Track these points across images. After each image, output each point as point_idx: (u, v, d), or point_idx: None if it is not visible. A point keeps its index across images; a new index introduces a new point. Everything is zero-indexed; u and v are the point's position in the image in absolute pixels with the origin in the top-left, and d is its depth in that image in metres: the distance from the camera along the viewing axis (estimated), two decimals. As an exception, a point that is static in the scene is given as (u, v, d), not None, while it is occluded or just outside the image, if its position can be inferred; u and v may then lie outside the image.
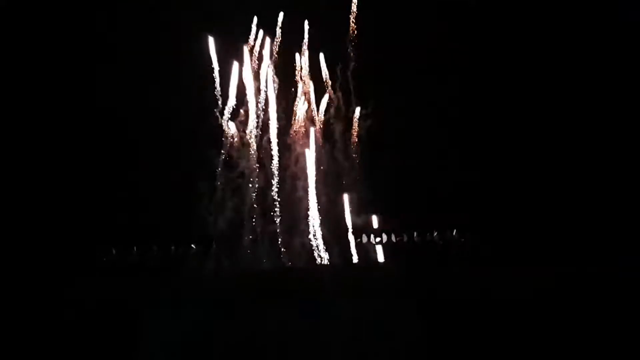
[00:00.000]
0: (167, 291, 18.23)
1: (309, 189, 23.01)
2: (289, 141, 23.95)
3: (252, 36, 24.31)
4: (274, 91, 23.89)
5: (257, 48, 24.22)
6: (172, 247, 21.85)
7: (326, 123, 24.38)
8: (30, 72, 23.07)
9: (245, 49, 23.92)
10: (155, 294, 18.08)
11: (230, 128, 23.44)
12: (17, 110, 22.78)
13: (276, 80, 24.20)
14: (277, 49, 24.47)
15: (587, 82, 22.66)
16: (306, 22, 24.44)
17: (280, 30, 24.47)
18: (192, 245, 22.01)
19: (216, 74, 23.56)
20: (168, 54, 23.42)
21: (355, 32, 24.28)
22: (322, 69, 24.49)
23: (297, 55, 24.51)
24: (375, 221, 23.18)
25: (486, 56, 23.51)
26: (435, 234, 22.29)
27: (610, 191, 21.46)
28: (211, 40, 23.49)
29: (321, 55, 24.56)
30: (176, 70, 23.07)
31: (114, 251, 21.58)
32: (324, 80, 24.55)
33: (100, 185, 22.41)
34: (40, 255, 20.70)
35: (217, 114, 23.37)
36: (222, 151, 23.19)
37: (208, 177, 22.68)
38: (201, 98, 23.35)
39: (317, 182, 23.25)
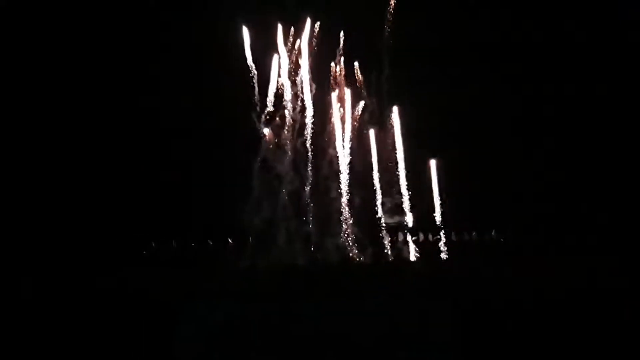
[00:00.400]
0: (203, 284, 18.50)
1: (343, 189, 23.23)
2: (324, 144, 24.18)
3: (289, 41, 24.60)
4: (310, 96, 24.14)
5: (294, 53, 24.60)
6: (209, 241, 22.13)
7: (360, 126, 24.49)
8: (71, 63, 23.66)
9: (282, 53, 24.22)
10: (192, 287, 18.39)
11: (267, 131, 23.79)
12: (59, 104, 23.47)
13: (313, 85, 24.45)
14: (313, 54, 24.74)
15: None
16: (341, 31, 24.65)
17: (314, 36, 24.74)
18: (229, 240, 22.28)
19: (255, 78, 23.95)
20: (208, 56, 23.81)
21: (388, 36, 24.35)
22: (357, 74, 24.72)
23: (332, 63, 24.77)
24: (409, 220, 23.13)
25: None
26: (474, 233, 22.10)
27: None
28: (247, 40, 23.75)
29: (356, 64, 24.68)
30: (215, 73, 23.55)
31: (153, 244, 22.02)
32: (359, 85, 24.73)
33: (142, 180, 22.92)
34: (81, 246, 21.25)
35: (255, 117, 23.70)
36: (259, 152, 23.54)
37: (246, 176, 23.00)
38: (241, 101, 23.69)
39: (350, 183, 23.40)
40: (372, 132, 24.08)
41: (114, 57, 23.87)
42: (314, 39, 24.51)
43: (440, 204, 22.60)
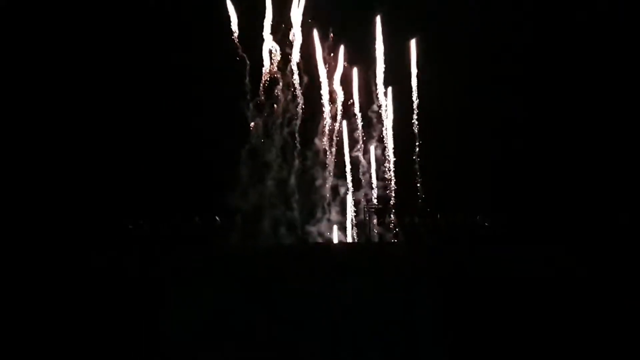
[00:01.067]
0: (191, 262, 18.57)
1: (330, 173, 23.49)
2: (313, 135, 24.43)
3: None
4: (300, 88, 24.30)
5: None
6: (197, 218, 22.17)
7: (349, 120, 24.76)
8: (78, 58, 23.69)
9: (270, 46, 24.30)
10: (180, 264, 18.45)
11: (257, 119, 23.93)
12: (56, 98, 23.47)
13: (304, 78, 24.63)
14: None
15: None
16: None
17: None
18: (217, 218, 22.34)
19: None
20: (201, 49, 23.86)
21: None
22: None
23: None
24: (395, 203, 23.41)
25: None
26: (458, 217, 22.39)
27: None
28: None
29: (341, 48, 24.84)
30: (208, 62, 23.65)
31: (141, 222, 22.04)
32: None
33: (130, 160, 22.96)
34: (69, 225, 21.22)
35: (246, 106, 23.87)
36: (249, 138, 23.73)
37: (235, 160, 23.20)
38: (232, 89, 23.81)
39: (339, 168, 23.73)
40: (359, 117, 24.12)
41: (100, 40, 23.90)
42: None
43: (425, 189, 22.84)
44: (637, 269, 16.94)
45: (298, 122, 24.19)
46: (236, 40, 23.84)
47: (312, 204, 23.38)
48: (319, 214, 23.33)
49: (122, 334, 16.88)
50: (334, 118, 24.45)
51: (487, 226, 21.91)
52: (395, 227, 22.89)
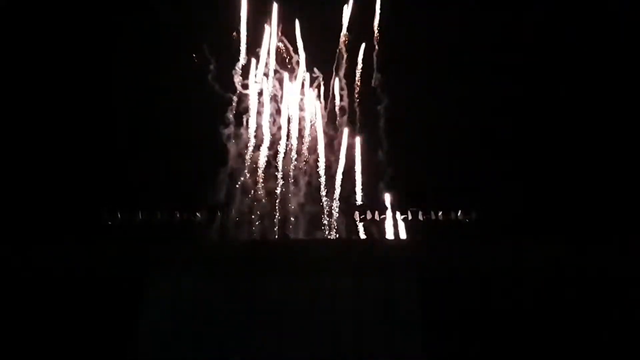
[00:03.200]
0: (170, 257, 18.35)
1: (319, 170, 23.51)
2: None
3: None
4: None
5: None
6: (177, 214, 21.96)
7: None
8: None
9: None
10: (159, 259, 18.23)
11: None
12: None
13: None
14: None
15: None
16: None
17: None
18: (197, 214, 22.16)
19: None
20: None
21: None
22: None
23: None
24: (381, 199, 23.42)
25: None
26: (440, 213, 22.47)
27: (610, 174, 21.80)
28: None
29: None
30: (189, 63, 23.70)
31: (119, 214, 21.72)
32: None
33: (111, 151, 22.73)
34: (46, 214, 20.84)
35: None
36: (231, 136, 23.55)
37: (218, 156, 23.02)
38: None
39: (326, 165, 23.68)
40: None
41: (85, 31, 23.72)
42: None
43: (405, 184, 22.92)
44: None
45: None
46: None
47: (292, 199, 23.29)
48: (300, 210, 23.24)
49: (99, 331, 16.75)
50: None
51: (469, 222, 22.02)
52: (375, 223, 22.90)
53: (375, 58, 24.39)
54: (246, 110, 23.77)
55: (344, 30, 24.57)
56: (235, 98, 23.79)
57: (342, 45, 24.52)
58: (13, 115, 22.58)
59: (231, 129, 23.51)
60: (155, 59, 23.54)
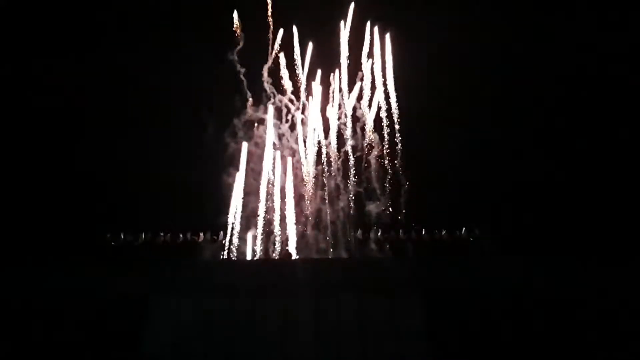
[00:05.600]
0: (173, 278, 18.33)
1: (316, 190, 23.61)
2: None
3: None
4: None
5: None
6: (180, 235, 22.00)
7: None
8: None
9: None
10: (161, 280, 18.20)
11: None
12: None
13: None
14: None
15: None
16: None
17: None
18: (201, 234, 22.20)
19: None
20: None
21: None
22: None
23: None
24: (380, 217, 23.39)
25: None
26: (444, 231, 22.37)
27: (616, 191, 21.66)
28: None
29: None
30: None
31: (122, 236, 21.77)
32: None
33: (114, 172, 22.84)
34: (50, 237, 20.90)
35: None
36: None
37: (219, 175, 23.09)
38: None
39: (324, 184, 23.86)
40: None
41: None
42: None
43: (411, 202, 22.89)
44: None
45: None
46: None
47: (296, 219, 23.32)
48: (301, 228, 23.26)
49: (102, 351, 16.68)
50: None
51: (473, 240, 21.90)
52: (379, 242, 22.82)
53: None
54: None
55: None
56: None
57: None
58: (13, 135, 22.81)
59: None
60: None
